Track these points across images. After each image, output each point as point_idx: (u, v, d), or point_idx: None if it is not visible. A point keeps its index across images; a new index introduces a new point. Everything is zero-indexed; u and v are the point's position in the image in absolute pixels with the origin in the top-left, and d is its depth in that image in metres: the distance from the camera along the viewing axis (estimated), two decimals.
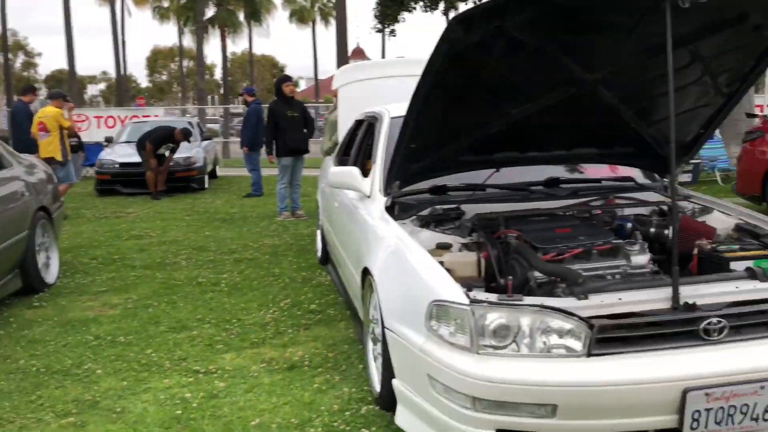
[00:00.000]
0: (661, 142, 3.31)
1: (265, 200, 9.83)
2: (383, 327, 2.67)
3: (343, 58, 17.69)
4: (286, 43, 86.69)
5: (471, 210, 3.16)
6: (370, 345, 3.18)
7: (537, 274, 2.53)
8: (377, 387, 2.94)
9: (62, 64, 47.32)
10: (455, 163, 3.30)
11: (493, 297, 2.29)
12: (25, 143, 8.25)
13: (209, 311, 4.35)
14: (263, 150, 8.76)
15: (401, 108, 4.16)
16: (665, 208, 3.21)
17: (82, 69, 54.52)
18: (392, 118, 3.98)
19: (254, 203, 9.55)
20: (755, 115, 8.48)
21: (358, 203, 3.70)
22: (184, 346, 3.71)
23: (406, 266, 2.64)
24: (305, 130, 8.01)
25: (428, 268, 2.50)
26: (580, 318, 2.17)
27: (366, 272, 3.12)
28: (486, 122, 3.04)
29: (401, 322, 2.53)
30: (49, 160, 7.21)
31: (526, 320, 2.20)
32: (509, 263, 2.66)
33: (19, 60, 50.13)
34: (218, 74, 49.46)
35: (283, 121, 7.76)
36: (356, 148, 4.67)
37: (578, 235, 2.81)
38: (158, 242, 6.75)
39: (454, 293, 2.30)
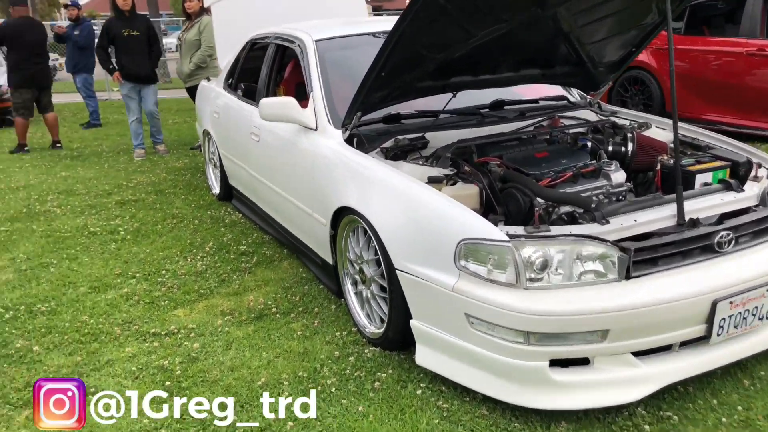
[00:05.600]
0: (596, 61, 3.47)
1: (107, 131, 8.86)
2: (391, 268, 2.56)
3: None
4: None
5: (432, 138, 3.09)
6: (348, 286, 3.07)
7: (540, 201, 2.55)
8: (371, 328, 2.86)
9: None
10: (412, 89, 3.16)
11: (521, 230, 2.29)
12: None
13: (126, 264, 3.89)
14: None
15: (323, 29, 3.91)
16: (601, 126, 3.36)
17: None
18: (317, 41, 3.70)
19: (96, 135, 8.57)
20: None
21: (297, 137, 3.44)
22: (122, 308, 3.31)
23: (416, 203, 2.53)
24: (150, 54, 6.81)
25: (447, 204, 2.42)
26: (612, 243, 2.25)
27: (340, 212, 2.96)
28: (452, 45, 2.92)
29: (418, 262, 2.44)
30: None
31: (562, 250, 2.23)
32: (507, 192, 2.65)
33: None
34: None
35: (119, 41, 6.67)
36: (266, 74, 4.28)
37: (559, 159, 2.88)
38: (8, 189, 5.82)
39: (488, 230, 2.26)
